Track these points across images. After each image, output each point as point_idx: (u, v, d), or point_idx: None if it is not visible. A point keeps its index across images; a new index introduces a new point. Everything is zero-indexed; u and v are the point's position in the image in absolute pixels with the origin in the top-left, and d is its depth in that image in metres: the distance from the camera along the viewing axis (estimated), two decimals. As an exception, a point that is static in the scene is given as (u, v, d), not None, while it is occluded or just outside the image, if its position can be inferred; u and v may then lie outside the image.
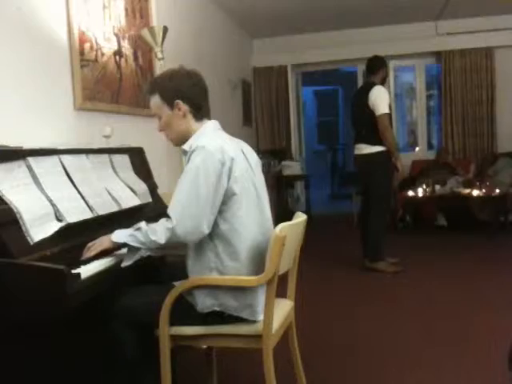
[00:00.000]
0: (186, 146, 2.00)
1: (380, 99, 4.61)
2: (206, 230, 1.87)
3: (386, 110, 4.58)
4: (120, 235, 1.94)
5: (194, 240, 1.89)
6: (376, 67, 4.81)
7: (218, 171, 1.87)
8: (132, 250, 1.91)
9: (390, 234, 4.87)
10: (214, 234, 1.91)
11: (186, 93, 2.01)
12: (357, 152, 4.84)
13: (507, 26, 7.11)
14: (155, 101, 2.05)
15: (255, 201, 1.99)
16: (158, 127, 2.10)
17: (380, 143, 4.63)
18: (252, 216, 1.96)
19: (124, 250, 1.96)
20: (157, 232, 1.86)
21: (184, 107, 2.01)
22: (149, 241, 1.87)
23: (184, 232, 1.84)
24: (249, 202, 1.95)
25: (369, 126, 4.66)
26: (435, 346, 2.95)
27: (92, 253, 1.94)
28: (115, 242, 1.94)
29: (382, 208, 4.72)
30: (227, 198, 1.90)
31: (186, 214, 1.84)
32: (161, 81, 2.08)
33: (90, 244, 1.97)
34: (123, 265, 1.91)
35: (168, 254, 2.31)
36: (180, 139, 2.07)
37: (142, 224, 1.94)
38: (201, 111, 2.05)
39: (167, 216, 1.88)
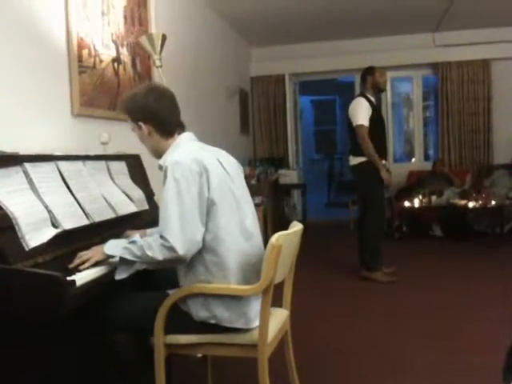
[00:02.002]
0: (161, 162, 2.03)
1: (356, 111, 4.65)
2: (200, 240, 1.87)
3: (361, 122, 4.58)
4: (113, 248, 1.91)
5: (192, 253, 1.87)
6: (364, 76, 4.82)
7: (197, 182, 1.87)
8: (125, 263, 1.88)
9: (386, 243, 4.87)
10: None
11: (146, 114, 2.03)
12: (349, 163, 4.88)
13: (504, 38, 7.16)
14: (128, 120, 2.11)
15: (234, 208, 1.98)
16: None
17: (362, 154, 4.64)
18: (232, 223, 1.95)
19: (117, 258, 1.92)
20: (152, 248, 1.83)
21: (147, 128, 2.04)
22: (144, 255, 1.84)
23: (183, 249, 1.82)
24: (228, 209, 1.95)
25: (352, 137, 4.71)
26: (432, 354, 2.95)
27: (86, 265, 1.88)
28: (108, 255, 1.91)
29: (374, 218, 4.69)
30: (208, 207, 1.90)
31: (180, 232, 1.82)
32: (125, 102, 2.11)
33: (81, 253, 1.93)
34: (117, 277, 1.88)
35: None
36: (155, 154, 2.13)
37: (137, 237, 1.91)
38: (167, 128, 2.06)
39: (161, 234, 1.85)
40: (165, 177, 1.90)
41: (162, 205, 1.89)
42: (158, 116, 2.03)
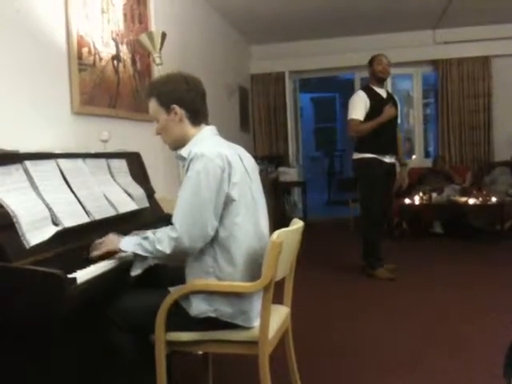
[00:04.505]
0: (183, 152, 2.00)
1: (350, 105, 4.62)
2: (211, 234, 1.89)
3: (352, 116, 4.53)
4: (128, 244, 1.95)
5: (199, 246, 1.89)
6: (368, 68, 4.71)
7: (218, 177, 1.87)
8: (139, 258, 1.92)
9: (386, 240, 4.86)
10: (213, 239, 1.92)
11: (183, 97, 2.02)
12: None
13: (504, 35, 7.15)
14: (152, 104, 2.07)
15: (252, 207, 1.99)
16: (155, 130, 2.11)
17: (359, 150, 4.59)
18: (249, 222, 1.96)
19: (123, 254, 1.98)
20: (162, 241, 1.86)
21: (180, 112, 2.02)
22: (155, 250, 1.88)
23: (189, 240, 1.85)
24: (246, 208, 1.96)
25: None
26: (433, 351, 2.95)
27: (98, 252, 1.96)
28: (122, 251, 1.96)
29: (366, 217, 4.65)
30: (226, 204, 1.91)
31: (189, 223, 1.85)
32: (158, 85, 2.08)
33: (98, 241, 2.00)
34: (133, 274, 1.93)
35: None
36: (176, 143, 2.09)
37: (149, 233, 1.94)
38: (198, 116, 2.05)
39: (172, 224, 1.89)
40: (187, 167, 1.91)
41: (179, 195, 1.91)
42: (195, 102, 2.04)
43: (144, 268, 1.93)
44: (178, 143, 2.07)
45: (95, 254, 1.97)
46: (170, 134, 2.07)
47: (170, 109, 2.02)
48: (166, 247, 1.86)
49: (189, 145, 2.02)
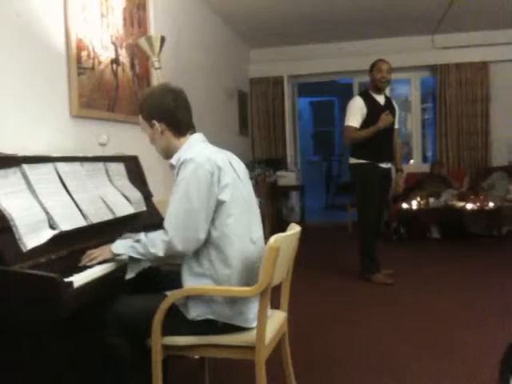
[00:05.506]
0: (173, 161, 2.05)
1: (347, 111, 4.61)
2: (203, 238, 1.91)
3: (349, 123, 4.52)
4: (120, 246, 1.99)
5: (192, 249, 1.92)
6: (369, 73, 4.68)
7: (208, 181, 1.91)
8: (133, 261, 1.95)
9: (384, 245, 4.85)
10: (207, 240, 1.94)
11: (162, 112, 2.06)
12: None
13: (502, 40, 7.18)
14: (140, 118, 2.14)
15: (245, 210, 2.02)
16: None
17: (355, 155, 4.60)
18: (241, 224, 1.98)
19: (119, 257, 1.99)
20: (155, 244, 1.90)
21: (160, 126, 2.07)
22: (148, 253, 1.91)
23: (180, 243, 1.88)
24: (238, 210, 1.98)
25: None
26: (431, 355, 2.95)
27: (93, 262, 1.97)
28: (115, 253, 1.98)
29: (363, 221, 4.65)
30: (217, 206, 1.94)
31: (181, 228, 1.88)
32: (141, 101, 2.15)
33: (89, 252, 2.01)
34: (127, 277, 1.95)
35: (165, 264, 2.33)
36: (165, 153, 2.15)
37: (142, 235, 1.97)
38: (180, 128, 2.10)
39: (164, 228, 1.91)
40: (177, 174, 1.95)
41: (170, 200, 1.94)
42: (174, 115, 2.07)
43: (138, 271, 1.96)
44: (168, 153, 2.12)
45: (93, 263, 1.97)
46: (158, 145, 2.14)
47: (151, 123, 2.08)
48: (159, 250, 1.89)
49: (178, 153, 2.07)
